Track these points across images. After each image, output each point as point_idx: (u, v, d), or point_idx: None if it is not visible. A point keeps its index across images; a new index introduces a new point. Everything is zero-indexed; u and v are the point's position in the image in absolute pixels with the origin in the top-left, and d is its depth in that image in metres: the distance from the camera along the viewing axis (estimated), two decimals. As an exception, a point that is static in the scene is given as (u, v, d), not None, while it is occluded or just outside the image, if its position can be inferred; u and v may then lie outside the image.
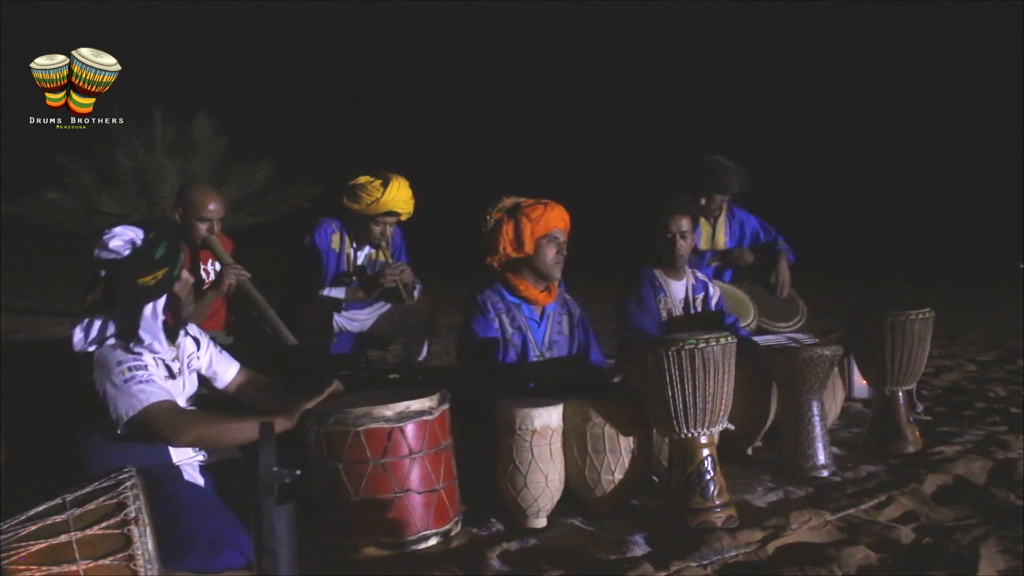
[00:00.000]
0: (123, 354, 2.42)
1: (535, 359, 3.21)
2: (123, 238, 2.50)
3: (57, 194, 9.77)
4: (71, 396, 2.51)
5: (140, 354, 2.43)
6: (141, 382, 2.37)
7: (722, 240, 4.72)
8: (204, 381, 2.80)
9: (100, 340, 2.43)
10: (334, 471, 2.38)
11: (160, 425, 2.35)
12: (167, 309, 2.50)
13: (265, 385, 2.89)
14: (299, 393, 2.59)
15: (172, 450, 2.48)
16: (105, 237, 2.50)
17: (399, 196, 3.93)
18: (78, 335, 2.44)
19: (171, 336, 2.55)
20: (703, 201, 4.57)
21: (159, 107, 10.07)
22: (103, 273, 2.47)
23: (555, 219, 3.22)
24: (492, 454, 2.67)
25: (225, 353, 2.86)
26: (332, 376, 2.78)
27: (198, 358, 2.74)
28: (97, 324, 2.44)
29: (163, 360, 2.53)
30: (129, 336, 2.42)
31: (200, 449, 2.53)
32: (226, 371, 2.83)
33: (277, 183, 10.86)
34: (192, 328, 2.76)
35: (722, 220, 4.71)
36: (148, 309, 2.42)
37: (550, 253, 3.21)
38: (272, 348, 3.58)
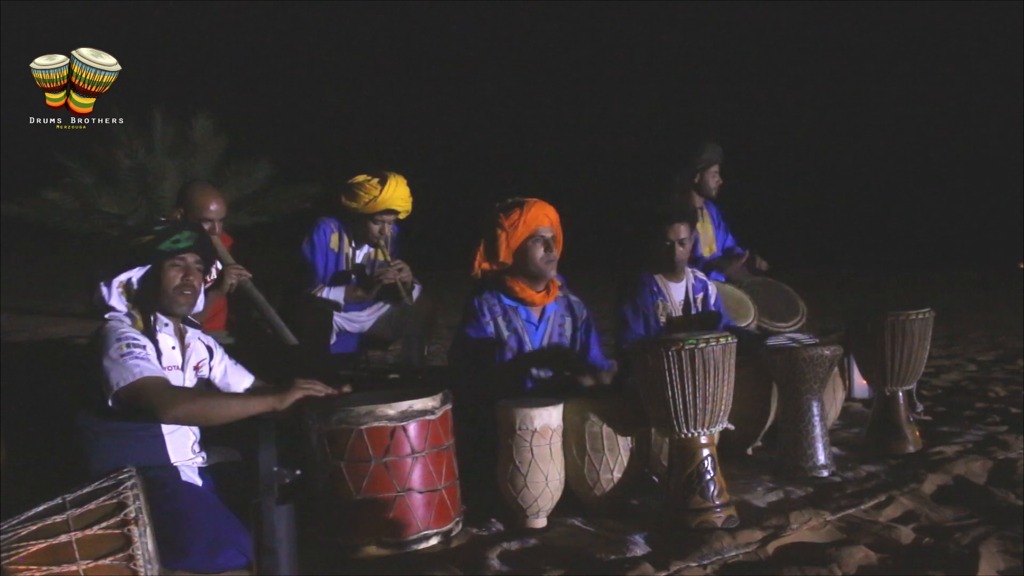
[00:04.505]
0: (125, 331, 2.44)
1: None
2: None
3: (57, 194, 9.76)
4: (74, 381, 2.52)
5: (139, 338, 2.45)
6: (137, 357, 2.39)
7: (712, 236, 4.74)
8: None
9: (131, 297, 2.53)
10: (336, 470, 2.38)
11: (149, 398, 2.34)
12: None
13: None
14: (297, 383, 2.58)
15: (169, 449, 2.48)
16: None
17: (397, 194, 3.92)
18: (108, 291, 2.51)
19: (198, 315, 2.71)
20: (713, 180, 4.62)
21: (159, 107, 10.07)
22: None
23: (535, 219, 3.15)
24: (492, 454, 2.67)
25: (240, 366, 2.84)
26: (341, 379, 2.78)
27: (210, 367, 2.74)
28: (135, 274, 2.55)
29: (164, 353, 2.54)
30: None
31: (189, 425, 2.52)
32: (240, 383, 2.81)
33: (277, 183, 10.86)
34: (206, 337, 2.77)
35: (707, 220, 4.72)
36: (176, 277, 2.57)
37: (538, 253, 3.14)
38: (273, 348, 3.58)
